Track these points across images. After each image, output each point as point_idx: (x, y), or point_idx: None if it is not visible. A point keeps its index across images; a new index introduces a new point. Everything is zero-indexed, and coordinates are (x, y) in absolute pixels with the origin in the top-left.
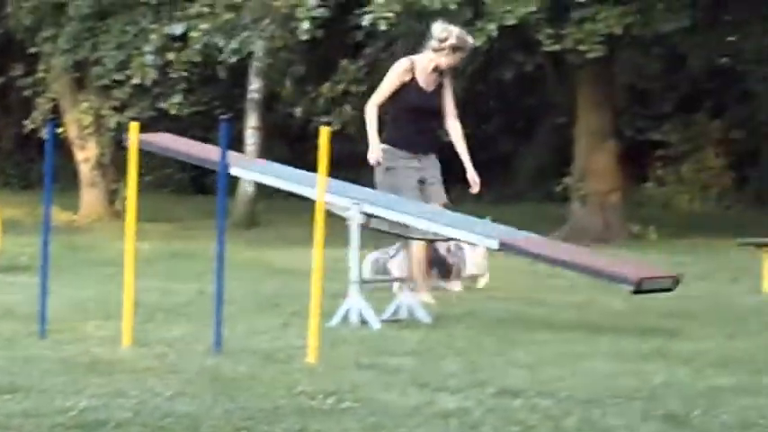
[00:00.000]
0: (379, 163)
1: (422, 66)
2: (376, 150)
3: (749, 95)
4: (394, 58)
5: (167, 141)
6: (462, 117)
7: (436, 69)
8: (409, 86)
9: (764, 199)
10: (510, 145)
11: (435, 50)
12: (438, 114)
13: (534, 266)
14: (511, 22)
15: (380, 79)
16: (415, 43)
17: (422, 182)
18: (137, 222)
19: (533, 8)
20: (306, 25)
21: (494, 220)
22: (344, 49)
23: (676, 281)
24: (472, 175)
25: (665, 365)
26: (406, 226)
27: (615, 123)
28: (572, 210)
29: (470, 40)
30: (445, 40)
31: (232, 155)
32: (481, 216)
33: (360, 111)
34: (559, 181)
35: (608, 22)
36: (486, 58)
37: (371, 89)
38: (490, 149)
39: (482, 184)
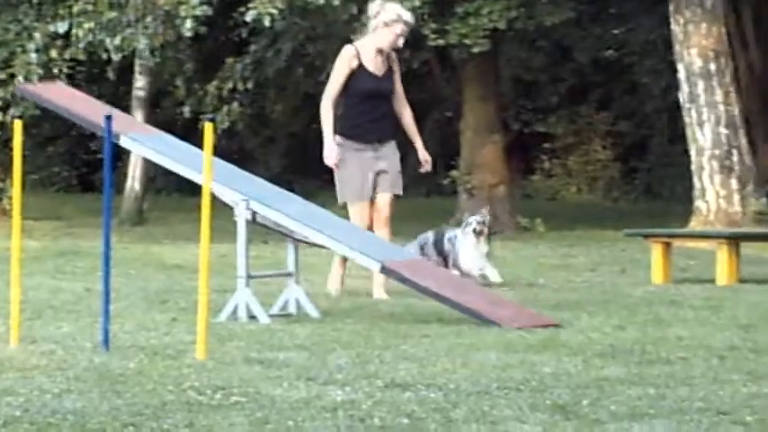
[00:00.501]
0: (336, 165)
1: (365, 50)
2: (333, 151)
3: (636, 87)
4: (279, 55)
5: (60, 96)
6: None
7: (381, 52)
8: (358, 73)
9: (652, 191)
10: (398, 139)
11: (374, 30)
12: (390, 99)
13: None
14: None
15: (266, 76)
16: (302, 39)
17: (378, 173)
18: (23, 220)
19: (417, 3)
20: (189, 23)
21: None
22: (230, 46)
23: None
24: (424, 155)
25: (553, 356)
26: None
27: (501, 116)
28: (459, 202)
29: (405, 13)
30: (377, 15)
31: (122, 120)
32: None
33: (247, 107)
34: (447, 174)
35: (492, 17)
36: None
37: (258, 86)
38: None
39: None
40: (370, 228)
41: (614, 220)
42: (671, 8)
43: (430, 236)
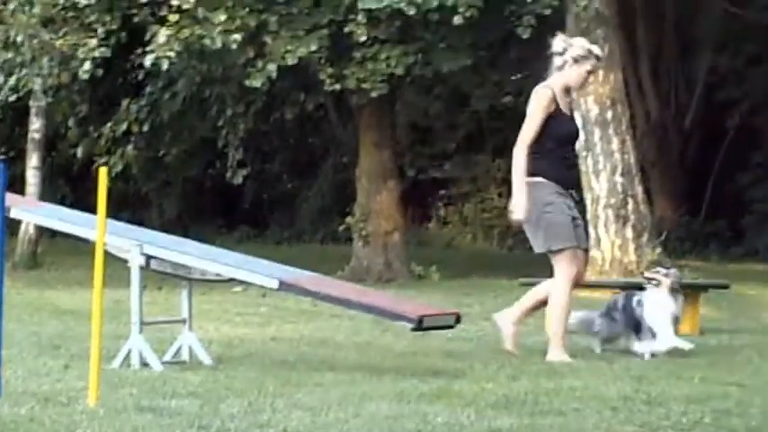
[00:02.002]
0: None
1: (557, 90)
2: (522, 205)
3: None
4: (176, 97)
5: None
6: (245, 157)
7: (568, 91)
8: (555, 115)
9: None
10: (293, 184)
11: (559, 68)
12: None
13: (318, 307)
14: (292, 61)
15: (162, 119)
16: (198, 83)
17: (572, 220)
18: None
19: (314, 47)
20: (87, 65)
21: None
22: (126, 88)
23: (458, 318)
24: None
25: (446, 406)
26: (187, 267)
27: (397, 163)
28: (354, 250)
29: (595, 48)
30: (565, 51)
31: (12, 197)
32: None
33: (142, 150)
34: (342, 221)
35: (390, 62)
36: (268, 98)
37: (154, 129)
38: (273, 189)
39: (265, 223)
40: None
41: (509, 269)
42: None
43: (619, 299)
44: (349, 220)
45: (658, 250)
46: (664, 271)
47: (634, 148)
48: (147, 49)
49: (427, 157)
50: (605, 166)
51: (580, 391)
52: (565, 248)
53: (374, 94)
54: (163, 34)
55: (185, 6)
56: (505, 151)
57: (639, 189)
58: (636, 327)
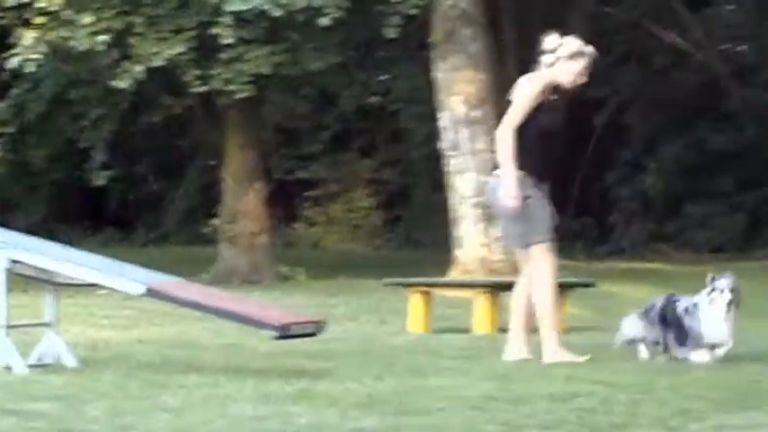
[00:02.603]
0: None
1: (546, 85)
2: (514, 193)
3: (401, 134)
4: (41, 99)
5: None
6: (112, 158)
7: (557, 90)
8: (541, 108)
9: (415, 239)
10: (160, 186)
11: (550, 65)
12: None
13: (183, 310)
14: (158, 63)
15: (27, 121)
16: (64, 84)
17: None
18: None
19: (181, 49)
20: None
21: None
22: None
23: (321, 326)
24: None
25: (311, 407)
26: (51, 272)
27: (264, 164)
28: (220, 251)
29: (588, 47)
30: (557, 49)
31: None
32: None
33: (7, 152)
34: (208, 222)
35: (257, 62)
36: (135, 100)
37: (21, 131)
38: (140, 191)
39: (132, 226)
40: None
41: (376, 269)
42: (434, 55)
43: (657, 302)
44: (215, 221)
45: None
46: (722, 281)
47: None
48: (13, 51)
49: (294, 157)
50: (471, 165)
51: (445, 391)
52: (545, 241)
53: (241, 96)
54: (29, 36)
55: (52, 9)
56: (372, 151)
57: None
58: (676, 330)
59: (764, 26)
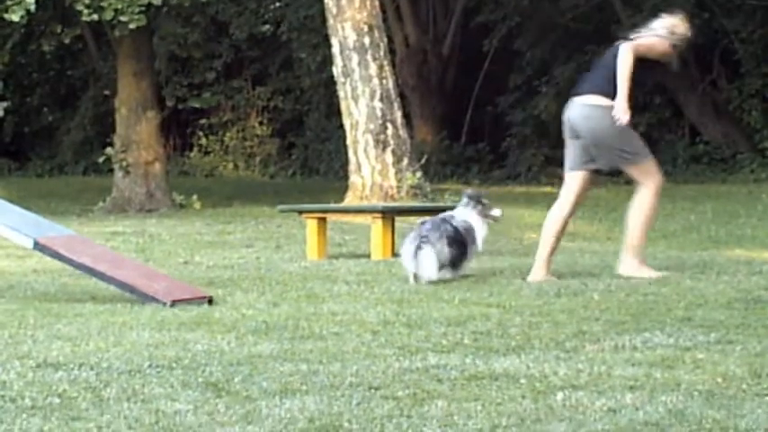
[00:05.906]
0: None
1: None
2: (626, 109)
3: (292, 62)
4: None
5: None
6: (5, 90)
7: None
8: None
9: (309, 166)
10: (54, 117)
11: (653, 34)
12: None
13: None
14: None
15: None
16: None
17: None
18: None
19: None
20: None
21: None
22: None
23: (209, 300)
24: None
25: (207, 333)
26: None
27: (157, 93)
28: (115, 181)
29: (681, 28)
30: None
31: None
32: None
33: None
34: (102, 152)
35: None
36: (27, 30)
37: None
38: (34, 122)
39: (27, 156)
40: None
41: (271, 196)
42: None
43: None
44: (109, 150)
45: (419, 175)
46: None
47: (392, 73)
48: None
49: (186, 86)
50: (364, 91)
51: (340, 316)
52: (649, 159)
53: (132, 26)
54: None
55: None
56: (266, 79)
57: (399, 114)
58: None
59: None
